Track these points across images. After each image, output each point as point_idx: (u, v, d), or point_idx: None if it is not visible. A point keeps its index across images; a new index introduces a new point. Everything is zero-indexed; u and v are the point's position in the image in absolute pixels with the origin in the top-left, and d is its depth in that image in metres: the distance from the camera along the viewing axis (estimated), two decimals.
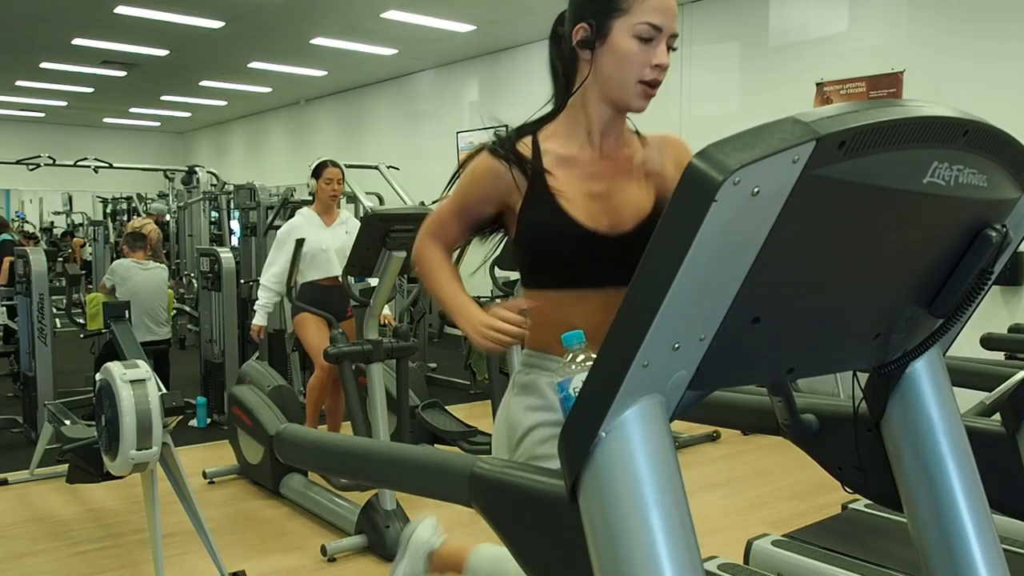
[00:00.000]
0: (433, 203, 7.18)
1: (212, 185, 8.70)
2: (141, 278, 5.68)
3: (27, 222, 15.40)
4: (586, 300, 1.55)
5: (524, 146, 1.57)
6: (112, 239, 9.29)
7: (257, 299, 4.37)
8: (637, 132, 1.65)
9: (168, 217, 9.97)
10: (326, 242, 4.21)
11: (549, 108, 1.63)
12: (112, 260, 7.19)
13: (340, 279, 4.00)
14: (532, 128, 1.60)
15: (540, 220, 1.54)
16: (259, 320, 4.35)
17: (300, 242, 4.11)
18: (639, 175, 1.60)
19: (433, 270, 1.67)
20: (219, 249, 5.96)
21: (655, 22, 1.42)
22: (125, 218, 11.13)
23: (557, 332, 1.50)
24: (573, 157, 1.56)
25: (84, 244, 9.89)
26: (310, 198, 4.45)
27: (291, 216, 4.63)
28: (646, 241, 0.85)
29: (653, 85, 1.47)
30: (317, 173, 4.26)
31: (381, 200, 8.24)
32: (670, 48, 1.47)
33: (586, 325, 1.36)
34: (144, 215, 10.03)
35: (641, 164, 1.61)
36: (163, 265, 6.29)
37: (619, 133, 1.60)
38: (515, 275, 2.91)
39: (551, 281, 1.57)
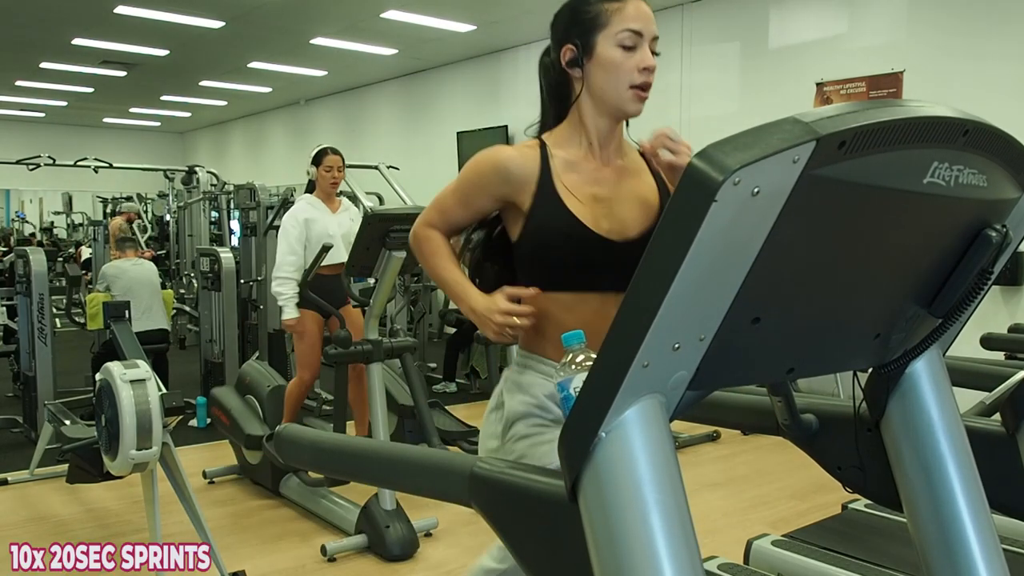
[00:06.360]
0: None
1: (212, 185, 8.69)
2: (133, 273, 5.75)
3: (27, 222, 15.40)
4: (583, 303, 1.58)
5: (532, 148, 1.61)
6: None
7: (278, 294, 4.03)
8: (639, 150, 1.68)
9: (143, 213, 10.07)
10: (332, 228, 4.16)
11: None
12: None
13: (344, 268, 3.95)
14: (537, 133, 1.66)
15: (548, 220, 1.57)
16: (291, 313, 4.02)
17: (326, 248, 3.97)
18: (642, 179, 1.65)
19: (435, 255, 1.68)
20: (219, 249, 5.97)
21: (635, 27, 1.50)
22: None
23: (552, 334, 1.54)
24: (578, 162, 1.60)
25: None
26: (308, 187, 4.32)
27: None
28: None
29: (644, 88, 1.54)
30: (317, 160, 4.18)
31: (381, 200, 8.23)
32: (653, 52, 1.54)
33: (582, 327, 1.38)
34: (118, 213, 10.07)
35: (642, 169, 1.67)
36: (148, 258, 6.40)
37: (618, 143, 1.65)
38: None
39: (551, 282, 1.58)
